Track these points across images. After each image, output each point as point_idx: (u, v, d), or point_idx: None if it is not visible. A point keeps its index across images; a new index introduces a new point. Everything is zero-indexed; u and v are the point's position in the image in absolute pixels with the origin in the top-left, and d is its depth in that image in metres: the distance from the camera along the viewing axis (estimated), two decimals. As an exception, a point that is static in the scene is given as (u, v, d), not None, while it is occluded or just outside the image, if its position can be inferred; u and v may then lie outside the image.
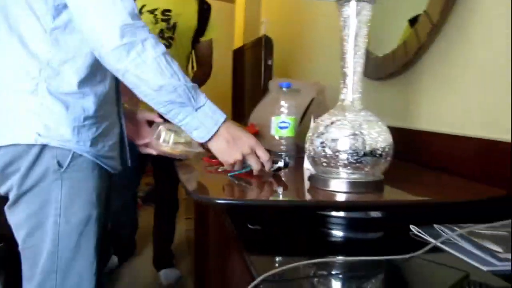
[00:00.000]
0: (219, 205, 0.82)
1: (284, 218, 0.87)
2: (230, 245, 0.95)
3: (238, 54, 2.76)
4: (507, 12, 0.96)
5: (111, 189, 1.13)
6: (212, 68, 2.46)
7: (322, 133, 0.86)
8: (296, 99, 1.15)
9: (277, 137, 1.14)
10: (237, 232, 0.76)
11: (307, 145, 0.91)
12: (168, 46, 2.15)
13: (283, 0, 3.06)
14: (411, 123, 1.33)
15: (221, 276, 2.00)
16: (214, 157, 1.20)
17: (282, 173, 1.00)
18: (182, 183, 0.95)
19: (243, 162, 0.95)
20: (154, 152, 1.22)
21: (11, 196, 0.98)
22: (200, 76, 2.37)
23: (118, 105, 1.13)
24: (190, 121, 0.92)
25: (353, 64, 0.88)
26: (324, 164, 0.85)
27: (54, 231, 0.98)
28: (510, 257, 0.61)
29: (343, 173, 0.84)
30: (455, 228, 0.72)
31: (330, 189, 0.86)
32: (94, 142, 1.00)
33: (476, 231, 0.71)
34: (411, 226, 0.77)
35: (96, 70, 1.00)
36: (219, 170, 1.11)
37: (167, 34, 2.16)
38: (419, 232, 0.74)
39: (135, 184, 2.42)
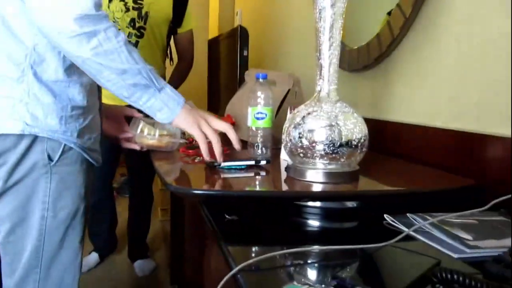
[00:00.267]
0: (196, 195, 0.81)
1: (261, 208, 0.87)
2: (207, 235, 0.96)
3: (213, 45, 2.73)
4: (478, 6, 0.98)
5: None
6: (193, 58, 2.42)
7: (299, 124, 0.86)
8: (272, 90, 1.15)
9: (253, 128, 1.14)
10: (214, 222, 0.76)
11: (284, 136, 0.92)
12: (139, 36, 2.09)
13: (259, -9, 3.05)
14: (384, 114, 1.36)
15: (197, 267, 2.00)
16: (190, 147, 1.21)
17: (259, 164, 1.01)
18: (159, 174, 0.94)
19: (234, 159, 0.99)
20: (137, 147, 1.21)
21: None
22: (182, 70, 2.34)
23: (99, 98, 1.11)
24: (154, 103, 0.94)
25: (329, 55, 0.89)
26: (301, 154, 0.86)
27: (41, 226, 0.97)
28: (479, 245, 0.63)
29: (320, 163, 0.86)
30: (427, 217, 0.74)
31: (307, 179, 0.87)
32: (80, 133, 0.98)
33: (447, 220, 0.73)
34: (385, 215, 0.78)
35: None
36: (196, 160, 1.11)
37: (138, 24, 2.08)
38: (393, 221, 0.76)
39: (110, 178, 2.39)
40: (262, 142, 1.14)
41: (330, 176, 0.86)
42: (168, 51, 2.35)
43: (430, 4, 1.15)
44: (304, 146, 0.85)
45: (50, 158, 0.95)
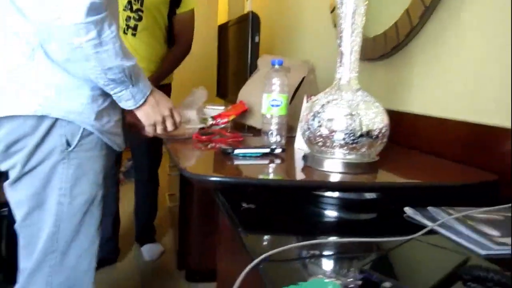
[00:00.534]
0: (213, 183, 0.80)
1: (277, 197, 0.86)
2: (221, 222, 0.94)
3: (223, 31, 2.70)
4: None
5: None
6: (192, 42, 2.20)
7: (318, 112, 0.84)
8: (287, 77, 1.13)
9: (268, 115, 1.12)
10: (231, 211, 0.75)
11: (301, 124, 0.90)
12: (138, 19, 1.98)
13: (271, -24, 3.00)
14: (401, 105, 1.33)
15: (206, 253, 2.00)
16: (204, 133, 1.19)
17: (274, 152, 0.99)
18: (174, 161, 0.93)
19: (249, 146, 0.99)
20: (163, 136, 1.18)
21: (13, 174, 0.95)
22: (177, 54, 2.16)
23: None
24: (123, 94, 0.95)
25: (350, 42, 0.87)
26: (320, 143, 0.85)
27: (57, 211, 0.96)
28: (507, 242, 0.61)
29: (339, 153, 0.84)
30: (450, 211, 0.72)
31: (325, 169, 0.85)
32: (98, 115, 0.96)
33: (471, 215, 0.71)
34: (405, 208, 0.76)
35: None
36: (209, 146, 1.09)
37: (135, 6, 1.96)
38: (414, 215, 0.74)
39: (115, 170, 2.23)
40: (277, 129, 1.12)
41: (349, 166, 0.84)
42: (168, 33, 2.18)
43: (453, -8, 1.12)
44: (323, 135, 0.83)
45: (68, 144, 0.94)
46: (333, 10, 1.85)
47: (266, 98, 1.12)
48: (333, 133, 0.82)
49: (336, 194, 0.83)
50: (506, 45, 0.93)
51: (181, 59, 2.19)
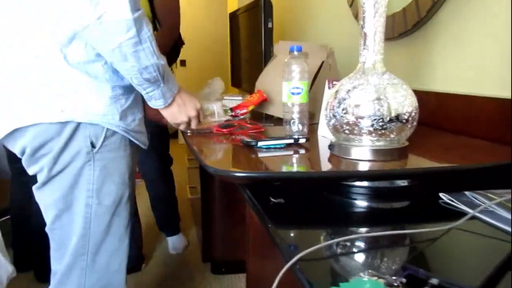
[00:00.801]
0: (238, 178, 0.77)
1: (304, 188, 0.83)
2: (249, 217, 0.92)
3: (235, 18, 2.66)
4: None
5: None
6: (177, 26, 2.03)
7: (344, 99, 0.81)
8: (307, 63, 1.09)
9: (289, 104, 1.09)
10: (259, 206, 0.72)
11: (326, 112, 0.86)
12: None
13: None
14: (424, 84, 1.28)
15: (232, 246, 1.99)
16: (225, 126, 1.16)
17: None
18: (196, 156, 0.91)
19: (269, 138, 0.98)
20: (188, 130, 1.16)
21: (41, 177, 0.94)
22: (160, 39, 1.92)
23: None
24: (155, 93, 0.95)
25: (374, 23, 0.82)
26: (346, 131, 0.81)
27: (86, 213, 0.95)
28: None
29: (367, 140, 0.80)
30: (490, 195, 0.68)
31: (352, 157, 0.82)
32: (123, 115, 0.95)
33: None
34: (441, 194, 0.73)
35: None
36: (230, 139, 1.07)
37: None
38: (451, 201, 0.71)
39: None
40: (298, 118, 1.09)
41: (378, 153, 0.81)
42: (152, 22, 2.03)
43: (477, -38, 1.06)
44: (350, 122, 0.80)
45: (93, 145, 0.92)
46: (347, -10, 1.79)
47: (286, 86, 1.09)
48: (360, 120, 0.79)
49: (365, 183, 0.80)
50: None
51: (167, 44, 2.03)
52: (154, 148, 2.16)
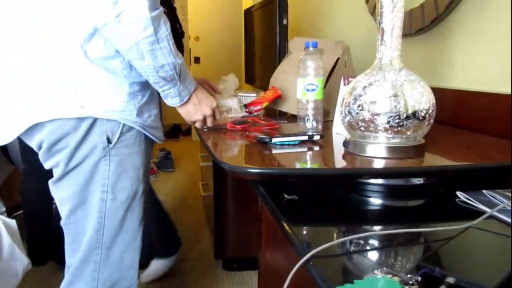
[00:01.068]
0: (252, 174, 0.77)
1: (319, 186, 0.82)
2: (263, 213, 0.92)
3: (249, 14, 2.65)
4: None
5: None
6: None
7: (360, 95, 0.80)
8: (322, 60, 1.08)
9: (303, 101, 1.08)
10: (272, 202, 0.72)
11: (341, 108, 0.85)
12: None
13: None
14: (442, 81, 1.26)
15: (245, 243, 1.99)
16: (238, 123, 1.16)
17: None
18: (210, 151, 0.90)
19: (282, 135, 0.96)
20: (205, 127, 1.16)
21: (57, 172, 0.95)
22: None
23: None
24: (171, 92, 0.95)
25: (391, 18, 0.81)
26: (362, 128, 0.80)
27: (100, 208, 0.96)
28: None
29: (382, 137, 0.79)
30: (508, 194, 0.67)
31: (367, 154, 0.81)
32: (140, 111, 0.95)
33: (531, 197, 0.66)
34: (458, 193, 0.72)
35: None
36: (244, 135, 1.07)
37: None
38: (468, 199, 0.69)
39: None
40: (313, 115, 1.08)
41: (394, 150, 0.79)
42: None
43: (498, -43, 1.04)
44: (366, 119, 0.79)
45: (109, 141, 0.93)
46: (364, -14, 1.77)
47: (301, 83, 1.08)
48: (376, 117, 0.78)
49: (380, 180, 0.79)
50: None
51: None
52: None
